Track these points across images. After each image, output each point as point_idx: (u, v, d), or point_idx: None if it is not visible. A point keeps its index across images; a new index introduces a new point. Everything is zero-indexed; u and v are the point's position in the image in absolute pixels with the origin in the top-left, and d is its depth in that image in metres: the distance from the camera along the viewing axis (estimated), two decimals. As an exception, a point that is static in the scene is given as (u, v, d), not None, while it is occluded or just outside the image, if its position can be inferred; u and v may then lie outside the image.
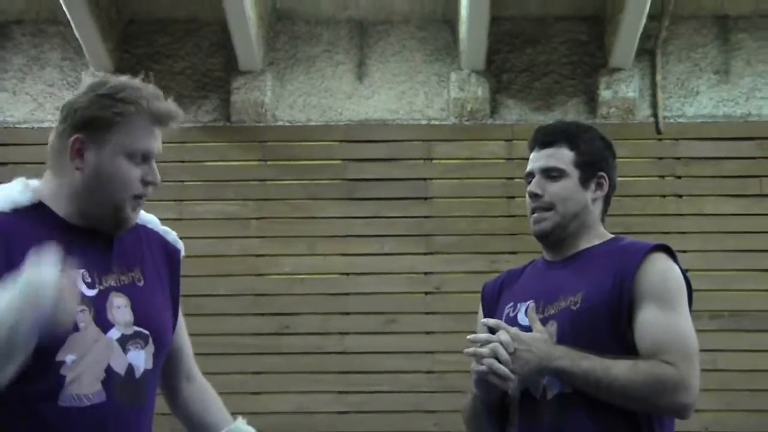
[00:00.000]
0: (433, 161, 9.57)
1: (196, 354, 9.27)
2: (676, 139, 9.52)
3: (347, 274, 9.38)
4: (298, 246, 9.41)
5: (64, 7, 8.88)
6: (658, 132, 9.52)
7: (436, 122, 9.64)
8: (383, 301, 9.30)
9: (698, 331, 3.12)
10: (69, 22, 9.08)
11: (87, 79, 9.47)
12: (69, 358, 2.64)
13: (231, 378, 9.11)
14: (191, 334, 9.39)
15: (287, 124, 9.67)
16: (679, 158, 9.50)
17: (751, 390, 8.99)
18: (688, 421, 3.16)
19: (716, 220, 9.35)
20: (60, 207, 2.78)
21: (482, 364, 2.97)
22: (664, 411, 3.02)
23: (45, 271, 2.35)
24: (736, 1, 9.59)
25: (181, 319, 3.07)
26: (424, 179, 9.53)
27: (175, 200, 9.45)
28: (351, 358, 9.23)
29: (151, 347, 2.80)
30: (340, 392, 9.16)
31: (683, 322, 3.03)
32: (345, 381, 9.19)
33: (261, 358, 9.22)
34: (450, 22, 9.70)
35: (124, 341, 2.73)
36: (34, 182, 2.83)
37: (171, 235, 3.08)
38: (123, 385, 2.71)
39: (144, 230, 2.99)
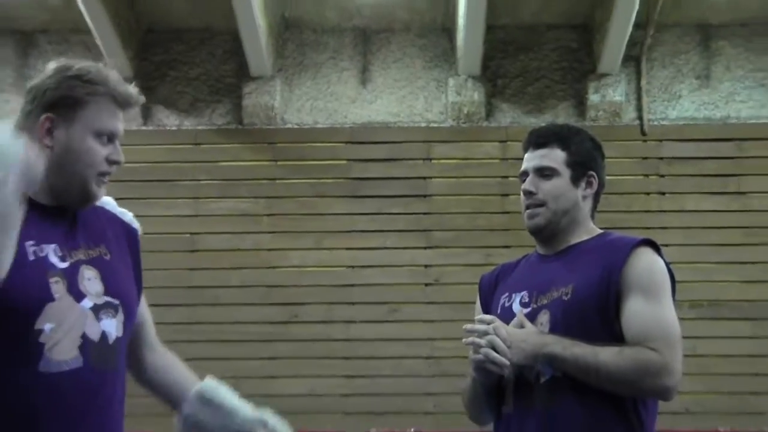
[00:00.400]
0: (432, 161, 9.56)
1: (214, 341, 9.33)
2: (660, 140, 9.51)
3: (352, 266, 9.39)
4: (306, 241, 9.41)
5: (86, 18, 8.88)
6: (643, 133, 9.52)
7: (435, 125, 9.63)
8: (386, 292, 9.30)
9: (680, 319, 3.13)
10: (91, 31, 9.08)
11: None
12: (47, 326, 2.62)
13: (245, 363, 9.13)
14: (209, 322, 9.43)
15: (295, 126, 9.67)
16: (662, 158, 9.49)
17: (729, 374, 9.00)
18: (670, 402, 3.17)
19: (697, 216, 9.34)
20: None
21: (480, 353, 2.98)
22: (649, 393, 3.03)
23: (5, 136, 2.36)
24: (716, 11, 9.57)
25: (141, 294, 2.98)
26: (424, 178, 9.53)
27: (191, 198, 9.46)
28: (356, 345, 9.24)
29: (121, 316, 2.77)
30: (346, 376, 9.17)
31: (667, 312, 3.04)
32: (351, 366, 9.20)
33: (273, 345, 9.23)
34: (448, 30, 9.69)
35: (96, 310, 2.71)
36: None
37: (128, 216, 3.00)
38: (98, 350, 2.69)
39: (103, 211, 2.93)
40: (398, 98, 9.67)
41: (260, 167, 9.57)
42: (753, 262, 9.24)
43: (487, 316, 3.10)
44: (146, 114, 9.59)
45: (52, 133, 2.74)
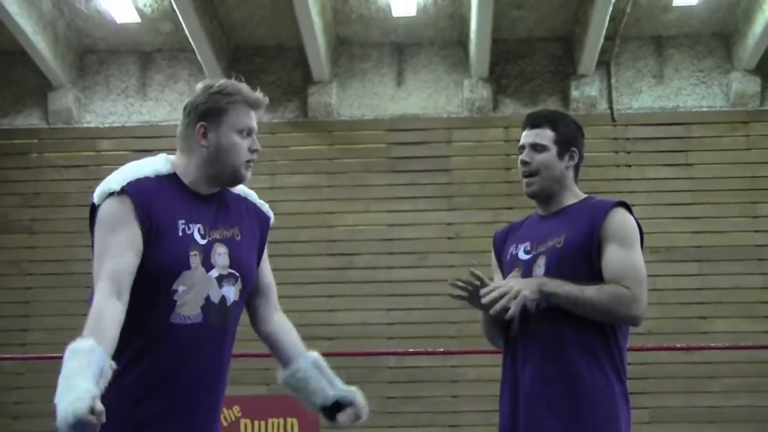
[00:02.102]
0: (452, 143, 9.53)
1: (289, 283, 9.40)
2: (626, 125, 9.44)
3: (391, 225, 9.38)
4: (357, 205, 9.41)
5: (190, 40, 8.89)
6: (613, 120, 9.45)
7: (454, 115, 9.59)
8: (418, 243, 9.29)
9: (645, 262, 3.10)
10: (194, 50, 9.09)
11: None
12: (181, 288, 2.63)
13: (311, 300, 9.15)
14: (284, 269, 9.53)
15: (347, 118, 9.66)
16: (628, 139, 9.42)
17: (681, 303, 8.95)
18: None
19: (655, 183, 9.28)
20: (187, 177, 2.76)
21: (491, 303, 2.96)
22: (622, 321, 2.99)
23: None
24: (666, 26, 9.48)
25: (268, 264, 2.98)
26: (446, 156, 9.50)
27: (269, 174, 9.47)
28: (395, 285, 9.24)
29: (239, 285, 2.75)
30: (388, 309, 9.18)
31: (637, 257, 3.00)
32: (392, 301, 9.20)
33: (332, 286, 9.25)
34: (463, 43, 9.63)
35: (220, 279, 2.70)
36: (172, 157, 2.82)
37: (265, 206, 2.98)
38: (216, 310, 2.68)
39: (245, 201, 2.91)
40: (426, 96, 9.63)
41: (321, 150, 9.56)
42: (699, 217, 9.17)
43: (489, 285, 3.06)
44: (235, 111, 9.58)
45: (207, 136, 2.75)
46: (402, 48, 9.74)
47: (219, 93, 2.78)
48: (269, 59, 9.74)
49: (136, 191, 2.63)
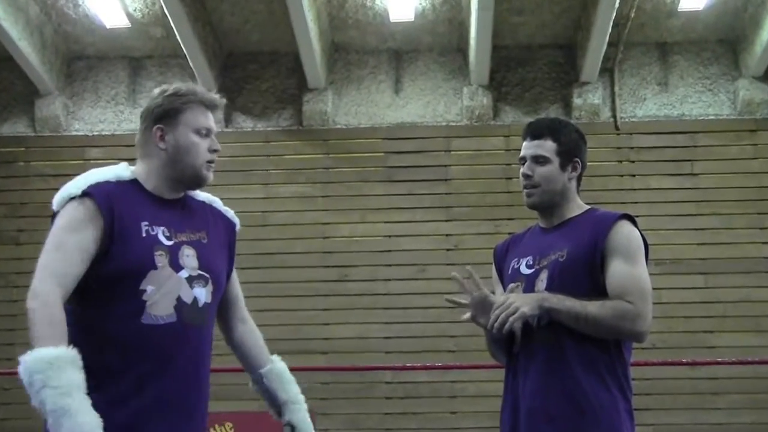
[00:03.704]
0: (451, 152, 9.54)
1: (283, 295, 9.35)
2: (630, 134, 9.45)
3: (389, 236, 9.37)
4: (353, 216, 9.41)
5: (182, 46, 8.90)
6: (617, 129, 9.45)
7: (453, 123, 9.60)
8: (415, 255, 9.28)
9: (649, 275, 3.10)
10: (185, 56, 9.10)
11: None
12: (149, 288, 2.68)
13: (306, 313, 9.14)
14: (279, 281, 9.46)
15: (344, 126, 9.66)
16: (632, 148, 9.43)
17: (685, 317, 8.96)
18: (641, 341, 3.15)
19: (659, 193, 9.29)
20: (149, 183, 2.83)
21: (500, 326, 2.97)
22: (626, 337, 2.98)
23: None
24: (671, 33, 9.50)
25: (235, 274, 3.05)
26: (445, 166, 9.50)
27: (262, 184, 9.49)
28: (393, 298, 9.23)
29: (210, 287, 2.80)
30: (385, 323, 9.17)
31: (641, 272, 2.99)
32: (389, 315, 9.19)
33: (327, 299, 9.24)
34: (462, 50, 9.64)
35: (191, 280, 2.76)
36: (132, 167, 2.89)
37: (230, 213, 3.04)
38: (189, 310, 2.73)
39: (210, 208, 2.98)
40: (424, 103, 9.64)
41: (316, 159, 9.57)
42: (704, 228, 9.17)
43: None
44: (227, 119, 9.62)
45: (164, 138, 2.82)
46: (399, 54, 9.75)
47: (174, 95, 2.85)
48: (263, 66, 9.75)
49: (98, 192, 2.71)
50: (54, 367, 2.43)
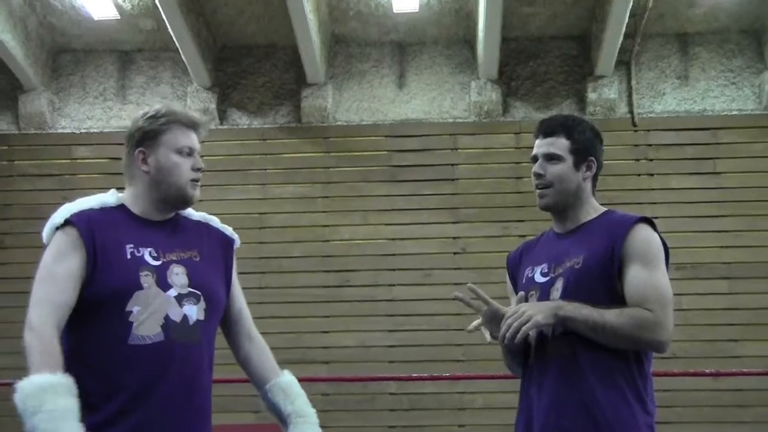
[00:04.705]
0: (458, 150, 9.53)
1: (281, 302, 9.34)
2: (648, 131, 9.44)
3: (392, 239, 9.37)
4: (354, 218, 9.41)
5: (174, 38, 8.90)
6: (634, 125, 9.45)
7: (460, 120, 9.59)
8: (421, 260, 9.28)
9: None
10: (177, 49, 9.10)
11: (191, 92, 9.60)
12: (135, 308, 2.81)
13: (306, 321, 9.14)
14: (276, 287, 9.46)
15: (344, 123, 9.66)
16: (650, 145, 9.41)
17: (707, 324, 8.92)
18: (661, 350, 3.14)
19: (679, 193, 9.27)
20: (136, 207, 2.99)
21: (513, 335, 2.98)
22: (645, 347, 2.98)
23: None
24: (692, 22, 9.48)
25: (239, 291, 3.19)
26: (451, 165, 9.50)
27: (260, 184, 9.49)
28: (397, 305, 9.23)
29: (202, 304, 2.92)
30: (389, 331, 9.16)
31: (661, 278, 2.99)
32: (393, 322, 9.18)
33: (328, 305, 9.24)
34: (470, 42, 9.63)
35: (180, 298, 2.88)
36: (120, 193, 3.04)
37: (228, 230, 3.19)
38: (178, 329, 2.85)
39: (206, 226, 3.13)
40: (429, 99, 9.64)
41: (316, 158, 9.57)
42: (726, 231, 9.15)
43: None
44: (222, 116, 9.62)
45: (147, 161, 2.98)
46: (403, 47, 9.75)
47: (153, 117, 3.00)
48: (259, 60, 9.75)
49: (79, 219, 2.88)
50: (48, 393, 2.59)
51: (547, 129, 3.23)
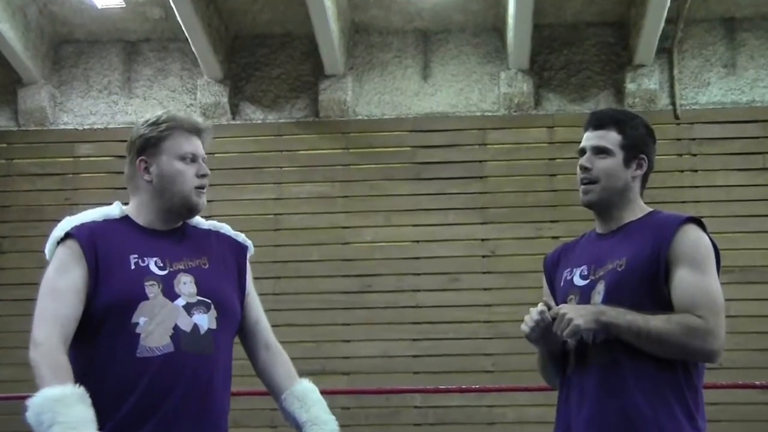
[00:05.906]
0: (487, 146, 9.52)
1: (298, 309, 9.35)
2: (692, 123, 9.40)
3: (417, 241, 9.37)
4: (376, 219, 9.41)
5: (183, 27, 8.92)
6: (676, 117, 9.41)
7: (489, 113, 9.57)
8: (447, 263, 9.27)
9: (719, 286, 3.07)
10: (187, 39, 9.12)
11: (202, 85, 9.62)
12: (142, 319, 2.87)
13: (324, 329, 9.15)
14: (293, 293, 9.48)
15: (365, 118, 9.66)
16: (694, 139, 9.38)
17: (757, 332, 8.89)
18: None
19: (725, 191, 9.23)
20: (141, 217, 3.05)
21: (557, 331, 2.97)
22: (695, 356, 2.96)
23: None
24: (739, 6, 9.44)
25: (256, 299, 3.24)
26: (480, 161, 9.48)
27: (275, 183, 9.51)
28: (422, 311, 9.22)
29: (213, 312, 2.97)
30: (414, 339, 9.16)
31: (712, 282, 2.98)
32: (418, 330, 9.18)
33: (348, 312, 9.24)
34: (499, 30, 9.62)
35: (189, 307, 2.93)
36: (124, 205, 3.10)
37: (241, 236, 3.24)
38: (188, 339, 2.90)
39: (216, 234, 3.18)
40: (456, 91, 9.63)
41: (335, 155, 9.57)
42: (777, 231, 9.12)
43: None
44: (234, 110, 9.64)
45: (149, 170, 3.03)
46: (428, 35, 9.74)
47: (153, 123, 3.05)
48: (274, 50, 9.76)
49: (80, 232, 2.95)
50: (62, 404, 2.66)
51: (597, 121, 3.23)
